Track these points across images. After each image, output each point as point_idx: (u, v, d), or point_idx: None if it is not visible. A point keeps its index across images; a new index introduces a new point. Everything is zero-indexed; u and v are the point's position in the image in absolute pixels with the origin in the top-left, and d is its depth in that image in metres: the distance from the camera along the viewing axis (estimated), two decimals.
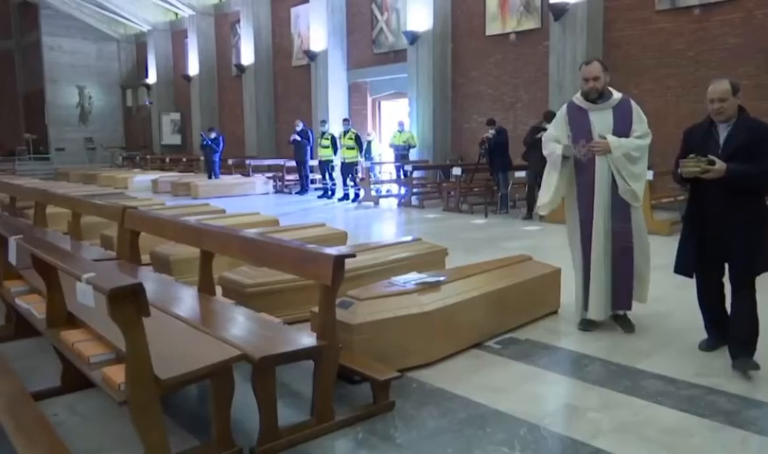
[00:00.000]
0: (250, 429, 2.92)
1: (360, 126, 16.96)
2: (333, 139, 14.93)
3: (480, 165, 12.21)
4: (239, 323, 3.42)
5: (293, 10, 20.00)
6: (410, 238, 6.18)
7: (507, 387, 3.58)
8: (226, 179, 16.97)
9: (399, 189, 14.04)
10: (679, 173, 3.75)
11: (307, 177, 16.23)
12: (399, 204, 13.23)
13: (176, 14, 25.27)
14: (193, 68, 23.79)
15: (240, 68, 21.35)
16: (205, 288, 4.02)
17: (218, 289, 4.36)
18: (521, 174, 11.51)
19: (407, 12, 15.47)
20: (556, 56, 12.56)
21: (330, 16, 17.80)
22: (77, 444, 2.87)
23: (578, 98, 4.42)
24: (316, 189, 16.05)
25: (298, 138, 15.57)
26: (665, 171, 5.98)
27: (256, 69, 20.92)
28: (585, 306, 4.50)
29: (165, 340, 2.78)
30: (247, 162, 18.38)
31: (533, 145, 10.53)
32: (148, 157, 24.72)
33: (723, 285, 3.90)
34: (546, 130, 10.12)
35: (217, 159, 17.19)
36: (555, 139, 4.49)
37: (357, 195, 14.17)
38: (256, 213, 8.59)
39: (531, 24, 13.60)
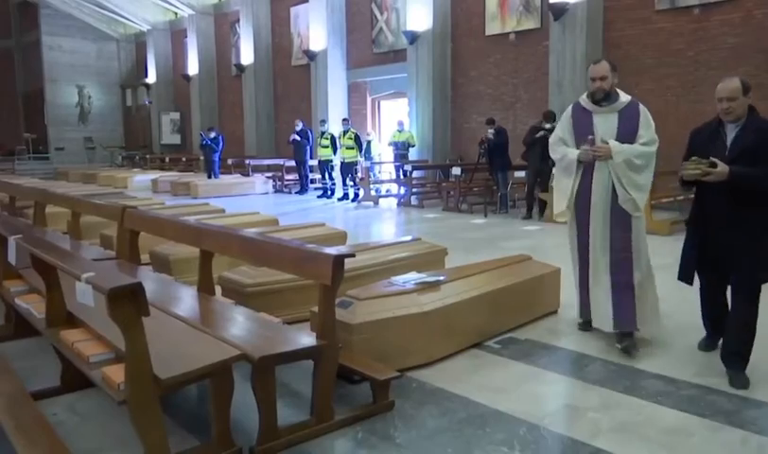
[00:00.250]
0: (249, 429, 2.92)
1: (360, 126, 16.95)
2: (333, 139, 14.93)
3: (479, 165, 12.21)
4: (239, 323, 3.42)
5: (293, 10, 19.99)
6: (409, 238, 6.19)
7: (507, 387, 3.58)
8: (226, 178, 16.97)
9: (399, 189, 14.04)
10: (680, 176, 3.61)
11: (307, 177, 16.23)
12: (399, 204, 13.23)
13: (175, 14, 25.26)
14: (193, 68, 23.78)
15: (240, 68, 21.35)
16: (205, 288, 4.02)
17: (218, 289, 4.36)
18: (521, 174, 11.51)
19: (406, 12, 15.47)
20: (556, 56, 12.56)
21: (330, 16, 17.80)
22: (76, 443, 2.87)
23: (584, 99, 4.22)
24: (315, 189, 16.05)
25: (297, 138, 15.57)
26: (665, 172, 5.96)
27: (256, 69, 20.92)
28: (581, 313, 4.43)
29: (164, 340, 2.78)
30: (246, 161, 18.37)
31: (533, 145, 10.57)
32: (147, 157, 24.73)
33: (725, 290, 3.79)
34: (545, 129, 10.36)
35: (216, 159, 17.19)
36: (563, 141, 4.29)
37: (356, 195, 14.18)
38: (256, 212, 8.59)
39: (530, 23, 13.60)
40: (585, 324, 4.47)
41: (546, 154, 10.44)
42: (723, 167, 3.40)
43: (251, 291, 4.49)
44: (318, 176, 15.96)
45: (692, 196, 3.83)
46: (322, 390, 3.03)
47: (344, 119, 15.23)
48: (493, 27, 14.26)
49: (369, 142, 15.85)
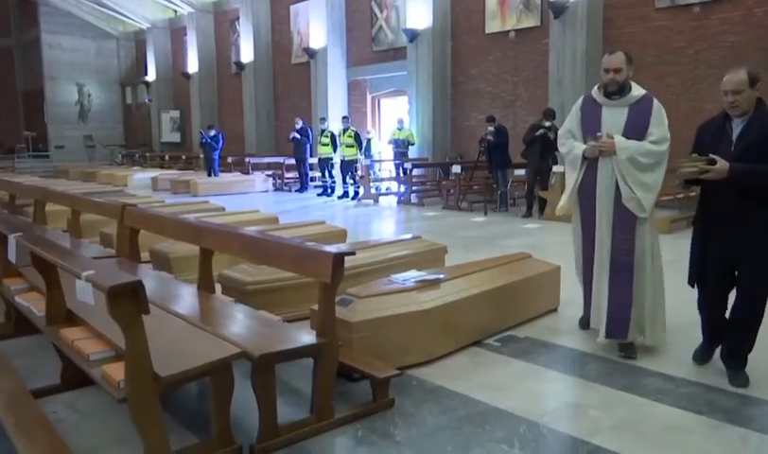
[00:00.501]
0: (249, 427, 2.92)
1: (360, 124, 16.95)
2: (333, 137, 14.93)
3: (479, 163, 12.21)
4: (239, 321, 3.42)
5: (293, 8, 19.97)
6: (409, 236, 6.18)
7: (507, 385, 3.58)
8: (225, 176, 16.97)
9: (399, 187, 14.04)
10: (678, 174, 3.46)
11: (307, 175, 16.23)
12: (399, 202, 13.22)
13: (175, 12, 25.22)
14: (192, 66, 23.75)
15: (240, 66, 21.33)
16: (205, 286, 4.02)
17: (218, 287, 4.36)
18: (521, 172, 11.51)
19: (406, 10, 15.46)
20: (556, 53, 12.55)
21: (330, 14, 17.78)
22: (76, 441, 2.87)
23: (595, 91, 4.02)
24: (315, 187, 16.04)
25: (297, 136, 15.56)
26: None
27: (256, 67, 20.90)
28: (585, 309, 4.37)
29: (164, 338, 2.78)
30: (246, 159, 18.37)
31: (533, 143, 10.56)
32: (147, 155, 24.73)
33: (726, 297, 3.60)
34: (545, 127, 10.35)
35: (216, 157, 17.19)
36: (571, 133, 4.12)
37: (356, 193, 14.17)
38: (256, 211, 8.59)
39: (530, 21, 13.59)
40: (586, 323, 4.40)
41: (546, 152, 10.59)
42: (722, 165, 3.25)
43: (251, 289, 4.49)
44: (318, 174, 15.95)
45: (693, 194, 3.73)
46: (322, 388, 3.03)
47: (344, 117, 15.22)
48: (493, 25, 14.25)
49: (369, 140, 15.83)
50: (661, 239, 4.09)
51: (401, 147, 14.85)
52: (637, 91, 3.93)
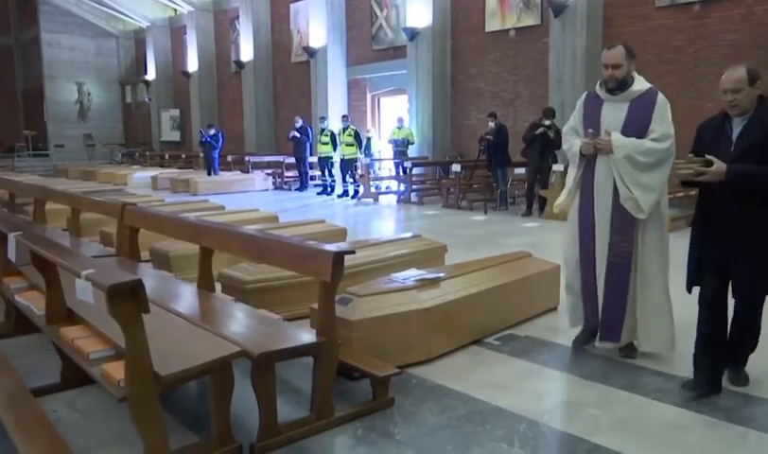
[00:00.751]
0: (249, 426, 2.92)
1: (360, 122, 16.94)
2: (332, 136, 14.92)
3: (479, 162, 12.20)
4: (239, 320, 3.42)
5: (292, 7, 19.96)
6: (409, 235, 6.18)
7: (506, 383, 3.58)
8: (225, 175, 16.96)
9: (398, 186, 14.04)
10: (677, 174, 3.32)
11: (307, 174, 16.22)
12: (398, 201, 13.22)
13: (175, 10, 25.20)
14: (192, 64, 23.73)
15: (239, 64, 21.31)
16: (205, 285, 4.02)
17: (218, 286, 4.36)
18: (520, 171, 11.51)
19: (406, 9, 15.44)
20: (556, 52, 12.54)
21: (329, 12, 17.77)
22: (76, 440, 2.87)
23: (598, 87, 3.89)
24: (315, 186, 16.03)
25: (297, 135, 15.56)
26: None
27: (256, 66, 20.89)
28: (584, 320, 4.04)
29: (164, 337, 2.78)
30: (246, 158, 18.36)
31: (533, 141, 10.57)
32: (147, 154, 24.70)
33: (726, 315, 3.37)
34: (545, 126, 10.35)
35: (216, 155, 17.18)
36: (574, 130, 3.99)
37: (356, 192, 14.17)
38: (256, 209, 8.58)
39: (530, 20, 13.58)
40: (586, 336, 4.05)
41: (545, 151, 10.59)
42: (719, 166, 3.10)
43: (250, 288, 4.49)
44: (318, 173, 15.95)
45: (693, 192, 3.56)
46: (322, 386, 3.03)
47: (344, 116, 15.21)
48: (493, 24, 14.24)
49: (369, 139, 15.83)
50: None
51: (401, 145, 14.84)
52: (640, 85, 3.76)
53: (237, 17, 21.70)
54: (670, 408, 3.22)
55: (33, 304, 3.60)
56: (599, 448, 2.84)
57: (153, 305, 2.63)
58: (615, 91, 3.77)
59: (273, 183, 16.92)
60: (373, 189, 14.01)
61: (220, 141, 17.35)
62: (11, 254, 3.81)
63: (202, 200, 10.71)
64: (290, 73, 20.38)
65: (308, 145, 15.81)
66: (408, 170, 13.40)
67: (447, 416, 3.17)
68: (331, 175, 15.02)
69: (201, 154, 18.48)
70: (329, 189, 14.92)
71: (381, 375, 3.25)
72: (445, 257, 5.76)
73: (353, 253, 3.45)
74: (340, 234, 6.82)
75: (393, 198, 13.70)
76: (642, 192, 3.64)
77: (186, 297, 3.88)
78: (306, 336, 3.13)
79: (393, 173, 15.15)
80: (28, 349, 4.07)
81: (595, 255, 3.85)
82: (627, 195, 3.66)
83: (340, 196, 14.33)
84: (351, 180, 14.37)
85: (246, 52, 21.02)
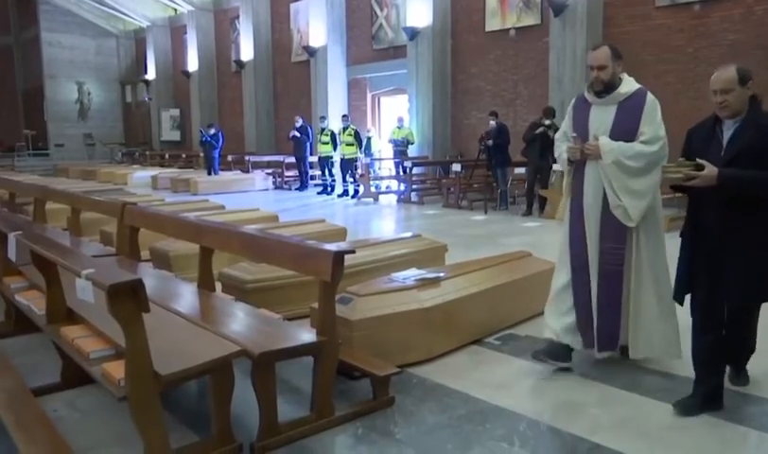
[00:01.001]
0: (250, 425, 2.92)
1: (360, 122, 16.94)
2: (333, 135, 14.91)
3: (479, 162, 12.20)
4: (239, 319, 3.42)
5: (293, 6, 19.95)
6: (409, 235, 6.18)
7: (507, 383, 3.58)
8: (225, 175, 16.96)
9: (399, 185, 14.04)
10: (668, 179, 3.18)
11: (307, 173, 16.22)
12: (399, 201, 13.22)
13: (175, 10, 25.20)
14: (192, 64, 23.73)
15: (240, 64, 21.31)
16: (205, 284, 4.02)
17: (218, 285, 4.36)
18: (521, 170, 11.51)
19: (406, 8, 15.44)
20: (556, 52, 12.54)
21: (330, 12, 17.77)
22: (77, 439, 2.87)
23: (586, 90, 3.76)
24: (315, 185, 16.03)
25: (297, 134, 15.55)
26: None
27: (256, 65, 20.89)
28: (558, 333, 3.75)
29: (164, 336, 2.78)
30: (246, 158, 18.37)
31: (533, 141, 10.57)
32: (147, 153, 24.71)
33: (723, 310, 3.16)
34: (545, 126, 10.35)
35: (216, 155, 17.18)
36: (565, 136, 3.86)
37: (356, 191, 14.16)
38: (256, 209, 8.58)
39: (530, 19, 13.57)
40: (564, 351, 3.73)
41: (546, 151, 10.58)
42: (710, 171, 2.92)
43: (251, 288, 4.49)
44: (318, 172, 15.95)
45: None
46: (322, 386, 3.03)
47: (344, 116, 15.20)
48: (493, 24, 14.24)
49: (369, 138, 15.83)
50: None
51: (401, 145, 14.84)
52: (628, 87, 3.61)
53: (238, 17, 21.70)
54: (670, 408, 3.22)
55: (33, 303, 3.60)
56: (599, 448, 2.84)
57: (153, 304, 2.63)
58: (601, 93, 3.63)
59: (273, 183, 16.92)
60: (373, 189, 14.01)
61: (220, 141, 17.35)
62: (11, 254, 3.81)
63: (202, 199, 10.71)
64: (290, 72, 20.38)
65: (308, 144, 15.81)
66: (408, 170, 13.40)
67: (448, 416, 3.17)
68: (331, 175, 15.02)
69: (202, 154, 18.48)
70: (329, 189, 14.92)
71: (381, 374, 3.25)
72: (446, 257, 5.76)
73: (353, 252, 3.45)
74: (340, 233, 6.82)
75: (393, 197, 13.70)
76: (631, 199, 3.50)
77: (186, 296, 3.88)
78: (307, 335, 3.13)
79: (393, 173, 15.15)
80: (29, 349, 4.07)
81: (587, 264, 3.69)
82: (616, 203, 3.53)
83: (340, 195, 14.33)
84: (351, 179, 14.37)
85: (246, 52, 21.02)
